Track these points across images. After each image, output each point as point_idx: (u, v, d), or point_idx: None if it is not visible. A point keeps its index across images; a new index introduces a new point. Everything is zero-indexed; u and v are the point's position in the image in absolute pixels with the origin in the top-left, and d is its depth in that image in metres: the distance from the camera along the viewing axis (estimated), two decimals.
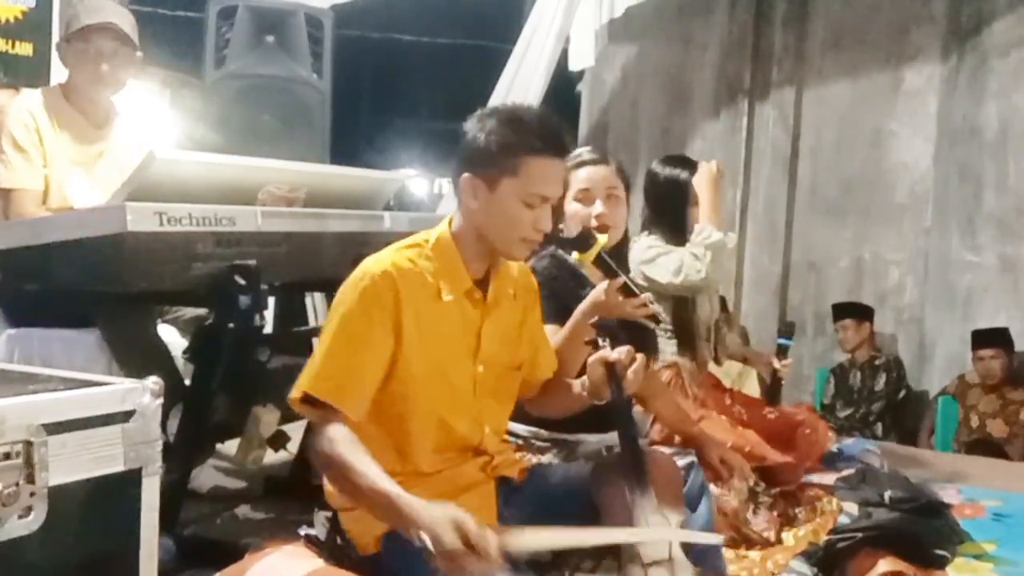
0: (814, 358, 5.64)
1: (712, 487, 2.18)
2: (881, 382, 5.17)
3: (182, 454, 2.28)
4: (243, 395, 2.53)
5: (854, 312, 5.28)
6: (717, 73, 6.07)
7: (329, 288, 3.15)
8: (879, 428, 5.10)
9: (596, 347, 1.79)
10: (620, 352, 1.74)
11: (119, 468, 1.48)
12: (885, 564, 2.18)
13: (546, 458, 2.15)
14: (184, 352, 2.51)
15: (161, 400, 1.55)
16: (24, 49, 4.21)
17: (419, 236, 1.78)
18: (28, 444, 1.35)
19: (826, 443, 2.92)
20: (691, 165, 2.96)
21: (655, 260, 2.81)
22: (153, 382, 1.54)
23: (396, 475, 1.65)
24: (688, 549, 1.65)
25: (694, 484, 1.90)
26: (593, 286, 2.07)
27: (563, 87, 6.19)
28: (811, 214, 5.71)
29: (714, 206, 2.87)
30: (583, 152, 2.38)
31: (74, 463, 1.41)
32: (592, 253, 1.97)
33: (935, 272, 5.20)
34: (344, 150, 5.75)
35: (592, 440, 2.21)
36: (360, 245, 2.38)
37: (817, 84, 5.69)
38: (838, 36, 5.62)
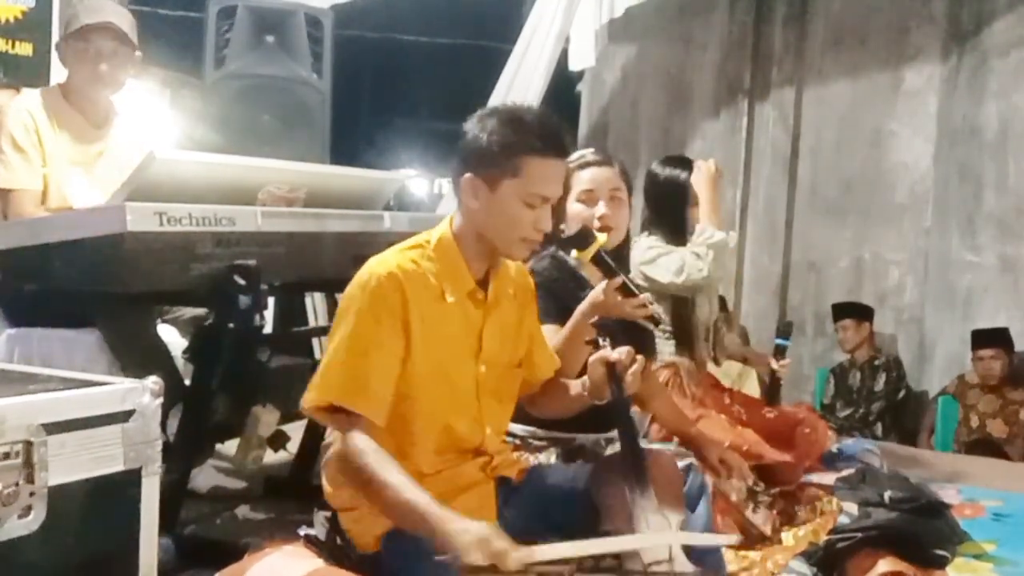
0: (814, 358, 5.64)
1: (709, 477, 2.19)
2: (881, 382, 5.17)
3: (182, 454, 2.28)
4: (243, 395, 2.53)
5: (854, 312, 5.28)
6: (717, 73, 6.07)
7: (329, 288, 3.17)
8: (879, 428, 5.10)
9: (597, 347, 1.79)
10: (620, 352, 1.74)
11: (119, 468, 1.48)
12: (885, 564, 2.18)
13: (543, 457, 2.15)
14: (184, 352, 2.52)
15: (161, 400, 1.55)
16: (24, 49, 4.22)
17: (420, 237, 1.78)
18: (28, 444, 1.35)
19: (826, 442, 2.92)
20: (690, 165, 2.96)
21: (655, 260, 2.81)
22: (153, 382, 1.54)
23: None
24: (689, 550, 1.65)
25: (693, 485, 1.90)
26: (592, 287, 2.07)
27: (563, 87, 6.19)
28: (811, 214, 5.71)
29: (714, 206, 2.87)
30: (587, 153, 2.38)
31: (74, 463, 1.41)
32: (591, 251, 1.97)
33: (935, 272, 5.20)
34: (344, 150, 5.76)
35: (590, 438, 2.22)
36: (360, 245, 2.38)
37: (817, 84, 5.69)
38: (838, 36, 5.62)
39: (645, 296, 2.00)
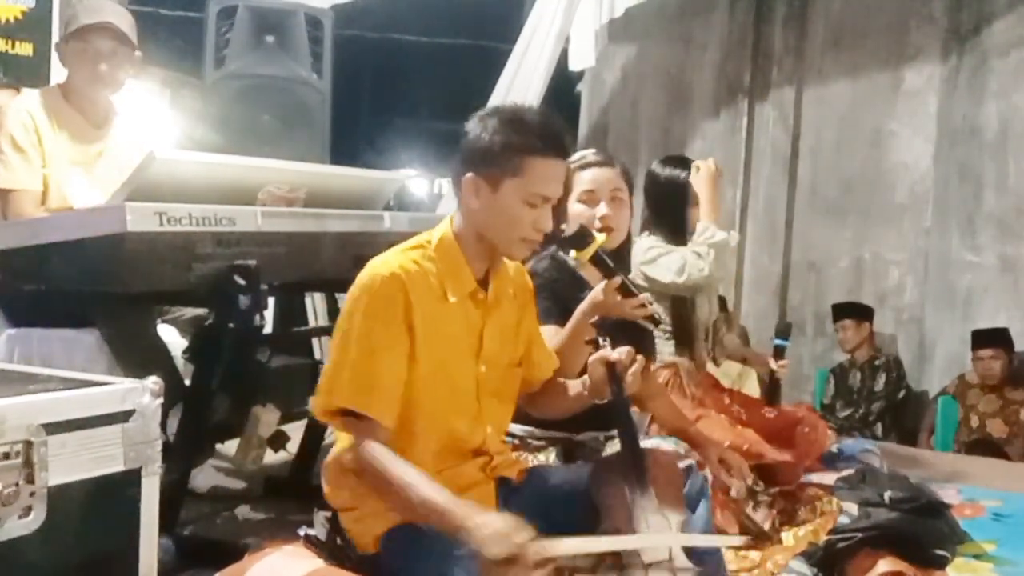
0: (814, 358, 5.64)
1: (709, 474, 2.19)
2: (881, 382, 5.17)
3: (182, 454, 2.28)
4: (243, 395, 2.53)
5: (854, 312, 5.28)
6: (717, 73, 6.07)
7: (329, 288, 3.17)
8: (879, 428, 5.10)
9: (597, 347, 1.80)
10: (621, 352, 1.74)
11: (119, 468, 1.48)
12: (885, 564, 2.18)
13: (542, 456, 2.15)
14: (184, 352, 2.52)
15: (161, 400, 1.55)
16: (24, 49, 4.22)
17: (421, 237, 1.78)
18: (28, 444, 1.35)
19: (825, 442, 2.91)
20: (689, 165, 2.96)
21: (656, 260, 2.81)
22: (153, 382, 1.55)
23: None
24: (689, 550, 1.65)
25: (693, 486, 1.90)
26: (592, 288, 2.07)
27: (563, 87, 6.20)
28: (811, 214, 5.71)
29: (714, 205, 2.87)
30: (588, 154, 2.38)
31: (74, 463, 1.41)
32: (589, 251, 1.97)
33: (935, 272, 5.20)
34: (344, 150, 5.76)
35: (587, 435, 2.22)
36: (360, 245, 2.38)
37: (817, 84, 5.69)
38: (838, 36, 5.62)
39: (644, 296, 2.00)
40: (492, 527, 1.41)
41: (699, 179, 2.90)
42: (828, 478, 2.74)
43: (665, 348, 2.85)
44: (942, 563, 2.33)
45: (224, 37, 4.31)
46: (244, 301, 2.12)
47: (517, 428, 2.15)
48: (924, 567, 2.26)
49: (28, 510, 1.35)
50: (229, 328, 2.21)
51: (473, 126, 1.73)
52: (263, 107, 4.33)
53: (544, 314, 2.05)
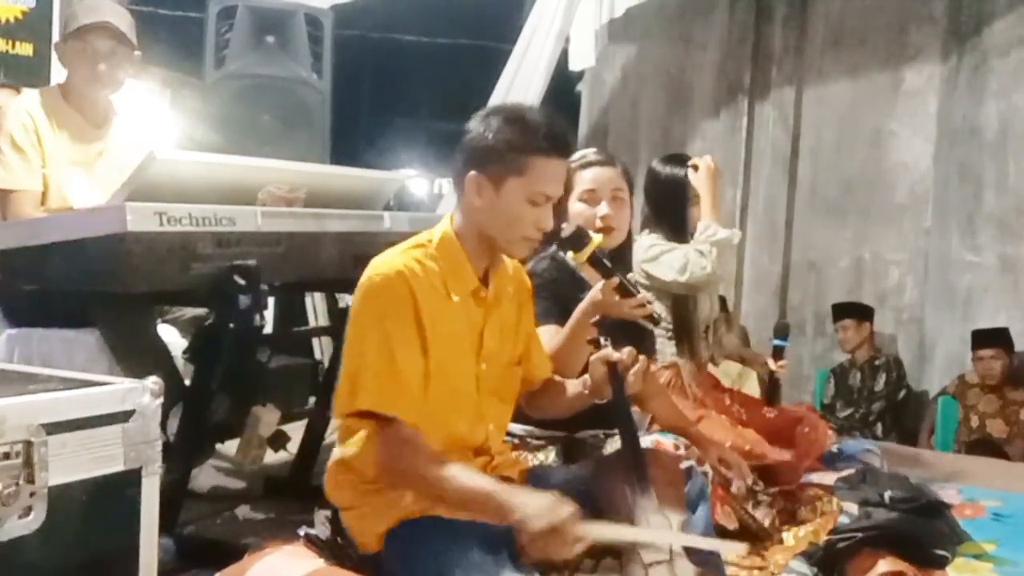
0: (814, 358, 5.64)
1: (708, 467, 2.19)
2: (881, 382, 5.17)
3: (182, 454, 2.28)
4: (243, 395, 2.53)
5: (854, 312, 5.28)
6: (717, 73, 6.07)
7: (329, 288, 3.17)
8: (879, 428, 5.09)
9: (598, 346, 1.80)
10: (622, 352, 1.74)
11: (119, 468, 1.48)
12: (885, 564, 2.18)
13: (542, 456, 2.15)
14: (184, 352, 2.52)
15: (161, 400, 1.55)
16: (24, 49, 4.22)
17: (421, 236, 1.78)
18: (28, 444, 1.35)
19: (826, 442, 2.91)
20: (685, 162, 2.96)
21: (658, 258, 2.81)
22: (153, 382, 1.54)
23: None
24: (689, 549, 1.65)
25: (693, 487, 1.90)
26: (592, 287, 2.07)
27: (563, 87, 6.20)
28: (811, 214, 5.71)
29: (715, 203, 2.87)
30: (589, 153, 2.38)
31: (74, 463, 1.41)
32: (586, 253, 1.96)
33: (935, 272, 5.20)
34: (344, 150, 5.75)
35: (587, 433, 2.22)
36: (360, 245, 2.38)
37: (817, 84, 5.69)
38: (838, 36, 5.62)
39: (643, 296, 1.99)
40: (536, 503, 1.49)
41: (699, 177, 2.89)
42: (828, 478, 2.74)
43: (667, 348, 2.85)
44: (942, 563, 2.33)
45: (224, 37, 4.31)
46: (244, 301, 2.12)
47: (517, 428, 2.15)
48: (924, 567, 2.26)
49: (28, 510, 1.35)
50: (229, 328, 2.21)
51: (475, 125, 1.74)
52: (263, 107, 4.32)
53: (543, 314, 2.05)
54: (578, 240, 1.96)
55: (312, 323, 4.45)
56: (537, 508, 1.48)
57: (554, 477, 1.89)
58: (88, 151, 2.71)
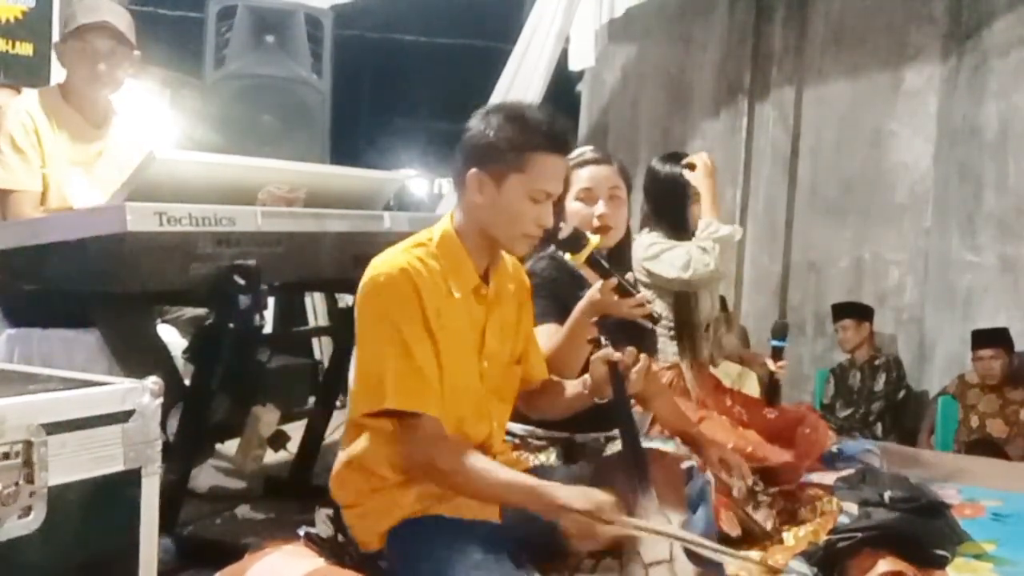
0: (814, 358, 5.64)
1: (710, 475, 2.18)
2: (881, 382, 5.17)
3: (182, 454, 2.28)
4: (243, 395, 2.53)
5: (854, 312, 5.28)
6: (717, 73, 6.07)
7: (329, 288, 3.17)
8: (879, 428, 5.09)
9: (598, 346, 1.80)
10: (623, 352, 1.74)
11: (119, 468, 1.48)
12: (885, 564, 2.17)
13: (543, 457, 2.15)
14: (184, 352, 2.51)
15: (161, 400, 1.55)
16: (24, 49, 4.22)
17: (421, 235, 1.79)
18: (28, 444, 1.35)
19: (826, 442, 2.91)
20: (681, 160, 2.96)
21: (659, 256, 2.81)
22: (153, 382, 1.54)
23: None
24: (689, 549, 1.65)
25: (694, 488, 1.90)
26: (591, 286, 2.07)
27: (563, 87, 6.19)
28: (811, 214, 5.71)
29: (715, 201, 2.87)
30: (586, 151, 2.37)
31: (74, 463, 1.41)
32: (584, 254, 1.96)
33: (935, 272, 5.20)
34: (344, 150, 5.75)
35: (588, 436, 2.22)
36: (360, 245, 2.38)
37: (817, 84, 5.69)
38: (838, 36, 5.62)
39: (642, 295, 1.99)
40: (577, 491, 1.57)
41: (697, 176, 2.90)
42: (828, 478, 2.74)
43: (668, 348, 2.85)
44: (942, 563, 2.33)
45: (224, 37, 4.31)
46: (244, 301, 2.12)
47: (518, 428, 2.15)
48: (924, 567, 2.26)
49: (28, 510, 1.35)
50: (229, 328, 2.20)
51: (476, 123, 1.75)
52: (263, 107, 4.32)
53: (543, 313, 2.05)
54: (575, 242, 1.96)
55: (312, 323, 4.44)
56: (580, 491, 1.56)
57: (555, 477, 1.89)
58: (88, 151, 2.71)
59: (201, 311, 2.59)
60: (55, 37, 3.92)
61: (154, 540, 1.53)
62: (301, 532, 1.77)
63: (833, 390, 5.31)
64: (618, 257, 2.31)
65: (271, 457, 2.76)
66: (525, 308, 1.92)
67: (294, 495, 2.77)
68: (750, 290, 5.92)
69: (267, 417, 2.57)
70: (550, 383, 1.95)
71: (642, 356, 1.77)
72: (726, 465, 2.32)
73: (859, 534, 2.26)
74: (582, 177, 2.30)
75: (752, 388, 3.75)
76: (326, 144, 4.47)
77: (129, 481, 1.49)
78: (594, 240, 1.98)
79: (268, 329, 2.88)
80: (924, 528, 2.37)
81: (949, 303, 5.03)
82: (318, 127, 4.45)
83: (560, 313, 2.07)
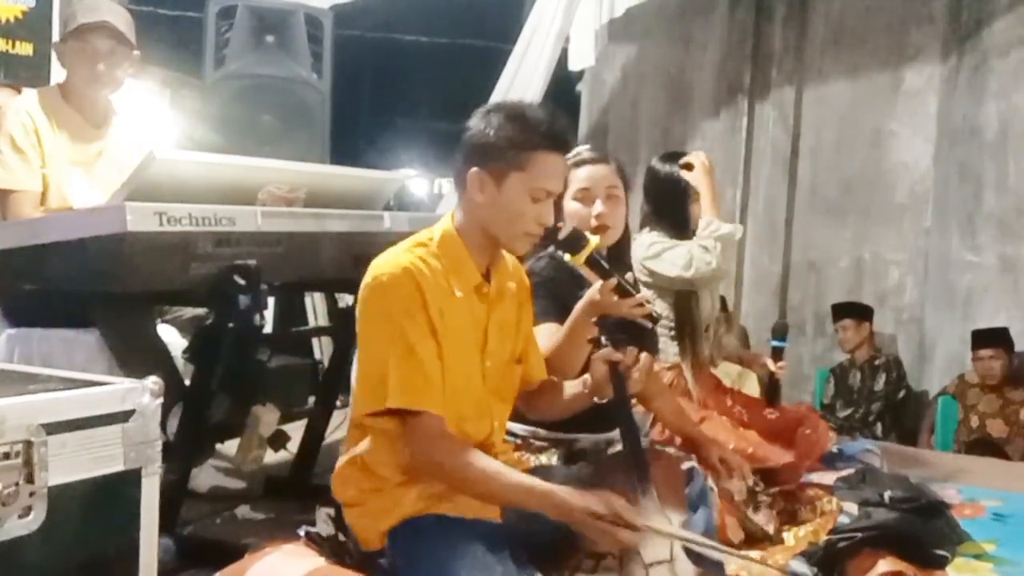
0: (814, 358, 5.64)
1: (713, 478, 2.18)
2: (881, 382, 5.17)
3: (182, 454, 2.28)
4: (243, 395, 2.53)
5: (854, 312, 5.28)
6: (717, 73, 6.07)
7: (329, 288, 3.17)
8: (879, 428, 5.09)
9: (598, 345, 1.80)
10: (624, 352, 1.74)
11: (119, 468, 1.48)
12: (885, 564, 2.18)
13: (544, 458, 2.14)
14: (184, 352, 2.51)
15: (161, 400, 1.55)
16: (24, 49, 4.21)
17: (421, 235, 1.79)
18: (28, 444, 1.35)
19: (826, 442, 2.91)
20: (679, 159, 2.96)
21: (661, 255, 2.81)
22: (153, 382, 1.54)
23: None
24: (688, 549, 1.65)
25: (695, 489, 1.90)
26: (591, 285, 2.06)
27: (563, 87, 6.20)
28: (811, 214, 5.71)
29: (714, 199, 2.88)
30: (582, 150, 2.37)
31: (74, 463, 1.41)
32: (583, 255, 1.95)
33: (935, 272, 5.20)
34: (344, 150, 5.75)
35: (590, 439, 2.21)
36: (360, 245, 2.38)
37: (817, 84, 5.69)
38: (838, 36, 5.62)
39: (642, 295, 1.99)
40: (596, 497, 1.55)
41: (695, 175, 2.90)
42: (828, 478, 2.74)
43: (668, 348, 2.85)
44: (942, 563, 2.33)
45: (224, 37, 4.31)
46: (244, 301, 2.12)
47: (520, 428, 2.15)
48: (924, 567, 2.26)
49: (28, 510, 1.35)
50: (229, 328, 2.21)
51: (476, 122, 1.75)
52: (263, 107, 4.32)
53: (542, 312, 2.05)
54: (575, 242, 1.95)
55: (312, 323, 4.44)
56: (593, 495, 1.55)
57: (556, 477, 1.89)
58: (88, 151, 2.71)
59: (201, 311, 2.59)
60: (55, 37, 3.92)
61: (154, 540, 1.53)
62: (301, 532, 1.77)
63: (833, 390, 5.31)
64: (617, 256, 2.31)
65: (271, 457, 2.75)
66: (525, 307, 1.92)
67: (294, 495, 2.77)
68: (750, 290, 5.92)
69: (267, 417, 2.57)
70: (549, 383, 1.95)
71: (644, 355, 1.77)
72: (727, 465, 2.32)
73: (859, 534, 2.26)
74: (579, 177, 2.30)
75: (752, 388, 3.75)
76: (326, 144, 4.47)
77: (129, 481, 1.49)
78: (594, 241, 1.97)
79: (268, 329, 2.88)
80: (924, 528, 2.37)
81: (949, 303, 5.03)
82: (318, 127, 4.45)
83: (560, 312, 2.07)
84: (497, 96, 5.15)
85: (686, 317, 2.86)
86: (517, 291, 1.89)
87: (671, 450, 2.19)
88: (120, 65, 2.67)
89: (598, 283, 1.98)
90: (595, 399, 1.82)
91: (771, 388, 3.11)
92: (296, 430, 2.86)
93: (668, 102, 6.24)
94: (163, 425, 1.69)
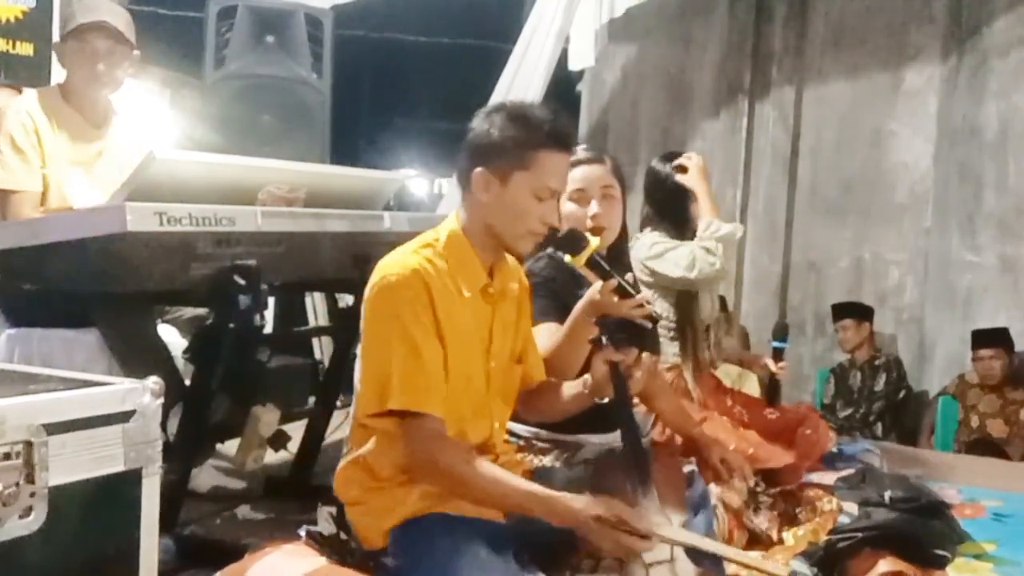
0: (814, 358, 5.64)
1: (713, 486, 2.18)
2: (881, 382, 5.17)
3: (182, 454, 2.28)
4: (243, 395, 2.53)
5: (854, 312, 5.28)
6: (717, 73, 6.07)
7: (329, 288, 3.17)
8: (879, 428, 5.10)
9: (599, 345, 1.80)
10: (624, 352, 1.74)
11: (119, 468, 1.47)
12: (885, 564, 2.18)
13: (547, 459, 2.14)
14: (184, 352, 2.51)
15: (161, 400, 1.55)
16: (24, 49, 4.21)
17: (427, 236, 1.79)
18: (28, 444, 1.35)
19: (827, 443, 2.91)
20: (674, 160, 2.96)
21: (663, 255, 2.81)
22: (153, 382, 1.54)
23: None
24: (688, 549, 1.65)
25: (695, 491, 1.90)
26: (590, 285, 2.06)
27: (563, 87, 6.20)
28: (811, 214, 5.71)
29: (712, 200, 2.88)
30: (577, 151, 2.36)
31: (74, 463, 1.41)
32: (583, 256, 1.95)
33: (935, 272, 5.20)
34: (344, 150, 5.76)
35: (593, 440, 2.21)
36: (360, 245, 2.38)
37: (817, 84, 5.69)
38: (838, 36, 5.62)
39: (641, 296, 1.99)
40: (600, 502, 1.55)
41: (691, 177, 2.90)
42: (828, 478, 2.74)
43: (669, 349, 2.85)
44: (942, 563, 2.33)
45: (224, 37, 4.31)
46: (244, 301, 2.12)
47: (522, 429, 2.15)
48: (924, 567, 2.26)
49: (28, 510, 1.35)
50: (229, 328, 2.20)
51: (479, 122, 1.76)
52: (263, 107, 4.32)
53: (542, 312, 2.05)
54: (575, 244, 1.95)
55: (312, 323, 4.45)
56: (600, 500, 1.55)
57: (556, 478, 1.89)
58: (88, 151, 2.71)
59: (201, 311, 2.59)
60: (55, 37, 3.92)
61: (154, 540, 1.53)
62: (302, 531, 1.77)
63: (833, 390, 5.31)
64: (615, 256, 2.31)
65: (271, 457, 2.75)
66: (524, 308, 1.92)
67: (294, 495, 2.77)
68: (750, 290, 5.92)
69: (267, 417, 2.57)
70: (547, 384, 1.95)
71: (646, 355, 1.77)
72: (728, 465, 2.32)
73: (859, 534, 2.26)
74: (575, 177, 2.28)
75: (752, 389, 3.76)
76: (326, 144, 4.48)
77: (129, 481, 1.49)
78: (594, 242, 1.97)
79: (268, 329, 2.88)
80: (924, 528, 2.37)
81: (949, 303, 5.03)
82: (318, 127, 4.46)
83: (559, 312, 2.06)
84: (497, 96, 5.15)
85: (686, 318, 2.86)
86: (520, 292, 1.90)
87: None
88: (120, 65, 2.67)
89: (598, 283, 1.97)
90: (595, 399, 1.82)
91: (771, 388, 3.11)
92: (296, 430, 2.86)
93: (668, 102, 6.24)
94: (163, 425, 1.69)
